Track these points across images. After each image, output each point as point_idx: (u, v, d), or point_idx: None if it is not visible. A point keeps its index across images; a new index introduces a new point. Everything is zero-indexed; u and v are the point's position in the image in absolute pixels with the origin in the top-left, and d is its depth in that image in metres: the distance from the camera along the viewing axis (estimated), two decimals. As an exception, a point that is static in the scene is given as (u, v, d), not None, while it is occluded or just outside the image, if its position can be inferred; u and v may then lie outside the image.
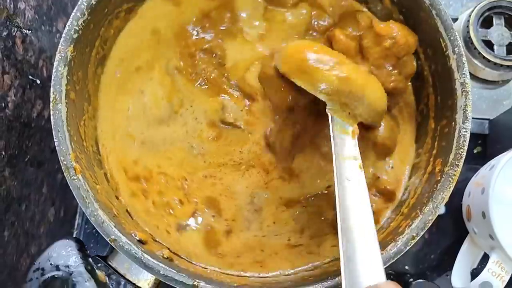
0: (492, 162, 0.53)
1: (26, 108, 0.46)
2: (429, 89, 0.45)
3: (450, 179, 0.38)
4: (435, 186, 0.38)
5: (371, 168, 0.46)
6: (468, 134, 0.38)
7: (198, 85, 0.47)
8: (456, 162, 0.38)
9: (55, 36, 0.51)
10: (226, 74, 0.47)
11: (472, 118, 0.59)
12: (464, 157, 0.38)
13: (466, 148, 0.38)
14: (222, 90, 0.47)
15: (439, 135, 0.42)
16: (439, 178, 0.39)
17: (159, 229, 0.43)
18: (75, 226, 0.60)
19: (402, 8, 0.45)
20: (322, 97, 0.39)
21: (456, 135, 0.39)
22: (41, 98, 0.49)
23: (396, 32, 0.42)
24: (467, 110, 0.39)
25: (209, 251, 0.44)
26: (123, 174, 0.45)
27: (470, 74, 0.62)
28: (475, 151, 0.62)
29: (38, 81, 0.48)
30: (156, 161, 0.46)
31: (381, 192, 0.45)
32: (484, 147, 0.62)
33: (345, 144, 0.38)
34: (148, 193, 0.45)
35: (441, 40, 0.41)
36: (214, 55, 0.47)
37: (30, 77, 0.47)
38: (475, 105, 0.62)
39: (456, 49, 0.40)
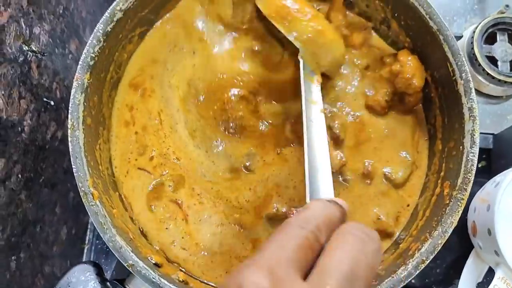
0: (497, 178, 0.54)
1: (41, 131, 0.47)
2: (436, 111, 0.46)
3: (458, 203, 0.39)
4: (443, 209, 0.39)
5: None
6: (475, 159, 0.39)
7: (228, 133, 0.47)
8: (464, 186, 0.39)
9: (68, 58, 0.52)
10: (261, 122, 0.48)
11: (477, 133, 0.61)
12: (472, 181, 0.39)
13: (474, 172, 0.39)
14: (256, 138, 0.48)
15: (446, 157, 0.43)
16: (447, 201, 0.39)
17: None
18: (86, 241, 0.61)
19: (410, 31, 0.46)
20: (296, 43, 0.43)
21: (464, 159, 0.40)
22: (54, 120, 0.49)
23: (408, 63, 0.45)
24: (474, 135, 0.40)
25: (147, 200, 0.45)
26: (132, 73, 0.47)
27: (474, 89, 0.63)
28: (479, 166, 0.62)
29: (52, 103, 0.49)
30: (159, 104, 0.47)
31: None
32: (488, 162, 0.62)
33: (311, 90, 0.43)
34: (136, 114, 0.47)
35: (449, 65, 0.42)
36: (250, 103, 0.48)
37: (45, 99, 0.48)
38: (479, 120, 0.63)
39: (463, 74, 0.41)
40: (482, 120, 0.62)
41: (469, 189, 0.39)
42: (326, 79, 0.47)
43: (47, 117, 0.48)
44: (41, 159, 0.47)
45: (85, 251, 0.60)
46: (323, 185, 0.36)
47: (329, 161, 0.38)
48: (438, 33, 0.42)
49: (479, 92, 0.64)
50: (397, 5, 0.45)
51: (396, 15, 0.46)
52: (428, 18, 0.42)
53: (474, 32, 0.62)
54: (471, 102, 0.40)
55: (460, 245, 0.59)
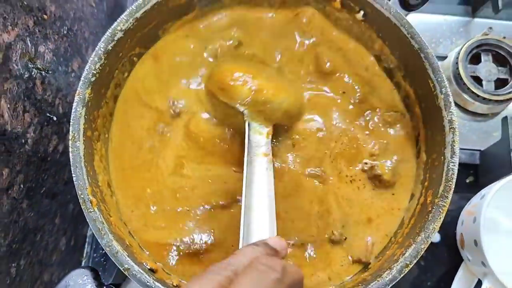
0: (483, 191, 0.56)
1: (43, 144, 0.49)
2: (420, 124, 0.48)
3: (440, 210, 0.40)
4: (426, 216, 0.41)
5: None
6: (456, 168, 0.41)
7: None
8: (445, 193, 0.41)
9: (70, 76, 0.55)
10: None
11: (464, 149, 0.63)
12: (453, 189, 0.41)
13: (454, 180, 0.41)
14: None
15: (430, 168, 0.45)
16: (430, 209, 0.41)
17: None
18: (84, 255, 0.62)
19: (395, 51, 0.49)
20: (241, 108, 0.45)
21: (445, 168, 0.42)
22: (56, 133, 0.52)
23: None
24: (454, 146, 0.42)
25: None
26: None
27: (461, 107, 0.66)
28: (467, 181, 0.64)
29: (55, 118, 0.51)
30: None
31: None
32: (476, 177, 0.64)
33: (260, 144, 0.44)
34: None
35: (430, 81, 0.44)
36: None
37: (48, 114, 0.50)
38: (466, 137, 0.65)
39: (443, 89, 0.43)
40: (469, 136, 0.65)
41: (450, 196, 0.41)
42: None
43: (49, 130, 0.50)
44: (42, 170, 0.49)
45: (83, 264, 0.62)
46: (258, 226, 0.37)
47: (270, 199, 0.40)
48: (419, 51, 0.45)
49: (465, 110, 0.66)
50: (381, 26, 0.48)
51: (380, 35, 0.49)
52: (410, 37, 0.45)
53: (459, 53, 0.65)
54: (451, 114, 0.43)
55: (450, 258, 0.60)
